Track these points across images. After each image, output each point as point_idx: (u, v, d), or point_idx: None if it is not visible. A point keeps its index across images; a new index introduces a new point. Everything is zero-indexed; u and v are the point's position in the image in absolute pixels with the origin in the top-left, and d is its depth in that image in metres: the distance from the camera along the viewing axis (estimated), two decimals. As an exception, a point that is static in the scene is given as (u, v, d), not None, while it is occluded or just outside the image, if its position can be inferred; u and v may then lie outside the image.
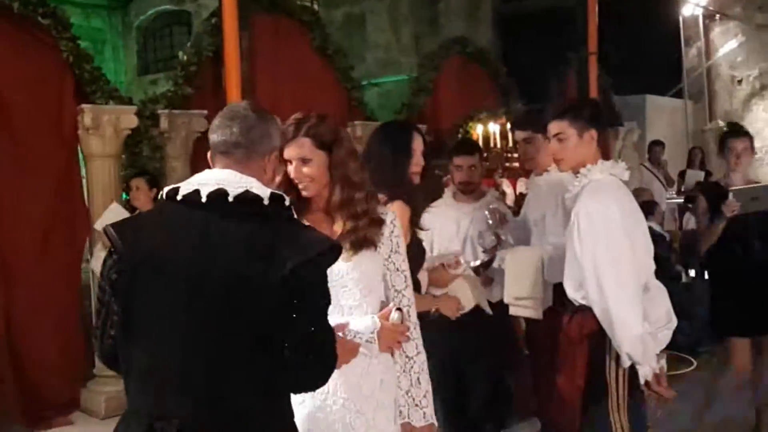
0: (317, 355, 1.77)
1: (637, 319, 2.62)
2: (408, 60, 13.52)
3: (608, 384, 2.69)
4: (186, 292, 1.72)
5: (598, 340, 2.70)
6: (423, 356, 2.32)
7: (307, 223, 2.04)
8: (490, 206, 3.74)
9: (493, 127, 5.89)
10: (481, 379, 3.80)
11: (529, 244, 3.46)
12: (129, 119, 5.09)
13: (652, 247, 2.88)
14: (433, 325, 3.01)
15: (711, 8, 11.56)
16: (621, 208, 2.71)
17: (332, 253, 1.80)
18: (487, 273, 3.64)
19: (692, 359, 4.31)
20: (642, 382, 2.72)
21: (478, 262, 3.66)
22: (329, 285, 1.85)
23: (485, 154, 5.70)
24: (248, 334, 1.70)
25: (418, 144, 2.80)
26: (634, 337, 2.60)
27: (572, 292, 2.79)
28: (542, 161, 3.48)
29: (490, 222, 3.58)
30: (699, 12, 11.61)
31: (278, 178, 2.12)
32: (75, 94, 4.98)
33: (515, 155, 6.43)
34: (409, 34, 13.62)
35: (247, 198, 1.74)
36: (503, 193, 5.80)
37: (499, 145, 6.29)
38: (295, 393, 1.89)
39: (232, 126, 1.87)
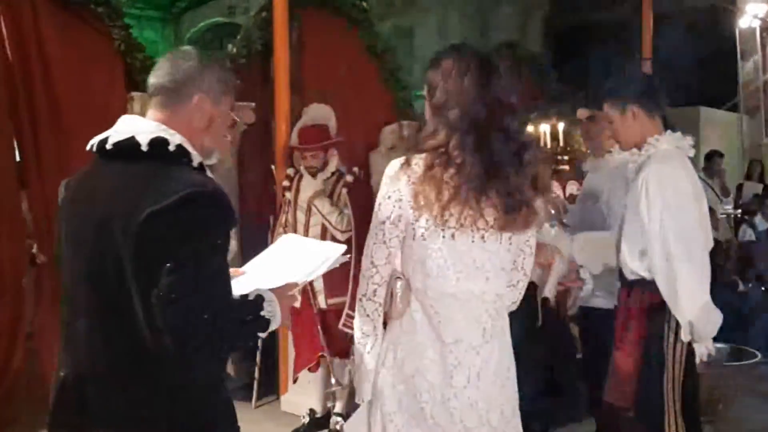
0: (174, 317, 1.57)
1: (704, 288, 2.52)
2: (456, 72, 13.49)
3: (665, 359, 2.58)
4: (72, 241, 1.77)
5: (658, 313, 2.59)
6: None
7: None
8: (551, 197, 3.66)
9: (544, 128, 5.76)
10: (531, 371, 3.65)
11: (587, 225, 3.33)
12: (177, 109, 5.10)
13: (710, 225, 2.78)
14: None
15: (769, 20, 11.26)
16: (690, 177, 2.63)
17: (189, 202, 1.60)
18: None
19: (756, 351, 4.13)
20: (697, 360, 2.61)
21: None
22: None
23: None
24: (117, 284, 1.63)
25: None
26: (699, 308, 2.49)
27: (632, 263, 2.68)
28: (605, 142, 3.37)
29: (552, 212, 3.50)
30: (756, 24, 11.30)
31: (224, 133, 1.89)
32: (125, 82, 5.01)
33: (565, 157, 6.29)
34: (457, 45, 13.59)
35: (126, 145, 1.70)
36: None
37: (549, 146, 6.15)
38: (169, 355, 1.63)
39: (161, 67, 1.81)
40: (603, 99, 2.88)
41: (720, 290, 3.03)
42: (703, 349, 2.58)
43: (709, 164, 8.52)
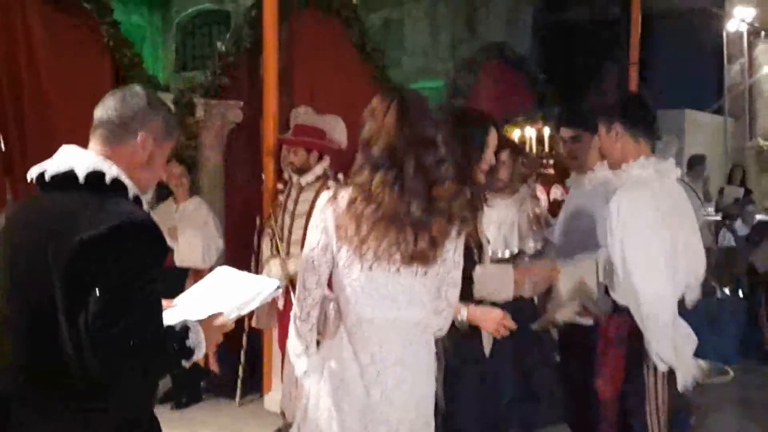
0: (100, 342, 1.62)
1: (667, 317, 2.51)
2: (445, 66, 13.48)
3: (647, 388, 2.59)
4: (6, 264, 1.82)
5: (637, 341, 2.60)
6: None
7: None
8: (536, 210, 3.72)
9: (530, 132, 5.81)
10: (510, 376, 3.72)
11: (572, 244, 3.38)
12: (165, 106, 5.11)
13: (700, 251, 2.79)
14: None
15: (757, 25, 11.35)
16: (655, 205, 2.60)
17: (120, 232, 1.66)
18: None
19: (729, 370, 4.20)
20: (680, 388, 2.61)
21: (527, 259, 3.64)
22: None
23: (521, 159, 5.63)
24: (46, 307, 1.69)
25: (492, 139, 2.66)
26: (664, 338, 2.51)
27: (611, 291, 2.71)
28: (589, 160, 3.40)
29: (534, 228, 3.57)
30: (744, 29, 11.40)
31: (165, 169, 2.03)
32: (113, 79, 5.00)
33: (550, 161, 6.35)
34: (447, 40, 13.59)
35: (63, 176, 1.77)
36: (536, 199, 5.72)
37: (534, 150, 6.20)
38: (96, 380, 1.69)
39: (108, 101, 1.87)
40: (593, 114, 2.91)
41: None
42: (685, 375, 2.58)
43: (692, 168, 8.60)
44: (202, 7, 16.20)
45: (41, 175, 1.81)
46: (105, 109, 1.86)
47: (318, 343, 2.25)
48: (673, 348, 2.53)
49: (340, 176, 4.59)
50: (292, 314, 2.25)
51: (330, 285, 2.22)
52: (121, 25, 5.21)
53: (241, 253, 5.02)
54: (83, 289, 1.63)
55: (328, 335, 2.22)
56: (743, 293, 6.87)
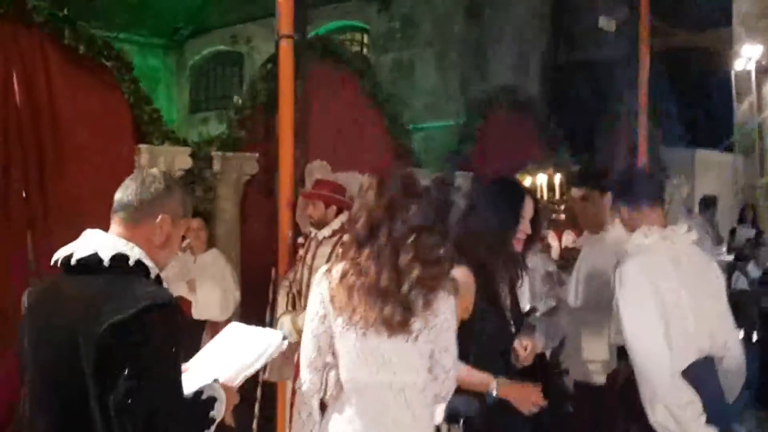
0: (129, 422, 1.70)
1: (664, 391, 2.57)
2: (454, 106, 13.62)
3: None
4: (35, 347, 1.90)
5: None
6: None
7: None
8: (548, 269, 3.77)
9: (541, 179, 5.88)
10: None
11: (587, 305, 3.43)
12: (184, 160, 5.22)
13: (723, 313, 2.84)
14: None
15: (764, 63, 11.45)
16: (654, 270, 2.68)
17: (145, 315, 1.73)
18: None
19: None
20: None
21: (538, 315, 3.69)
22: None
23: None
24: (77, 389, 1.75)
25: (528, 210, 2.69)
26: (656, 401, 2.57)
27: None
28: (600, 219, 3.47)
29: (547, 288, 3.63)
30: (752, 67, 11.50)
31: (180, 246, 2.09)
32: (133, 135, 5.12)
33: (562, 207, 6.40)
34: (457, 80, 13.75)
35: (88, 259, 1.85)
36: (548, 246, 5.77)
37: (546, 197, 6.27)
38: None
39: (129, 185, 1.97)
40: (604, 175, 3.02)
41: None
42: None
43: (704, 210, 8.65)
44: (215, 49, 16.51)
45: (66, 260, 1.89)
46: (125, 193, 1.96)
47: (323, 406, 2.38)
48: (669, 414, 2.56)
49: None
50: (297, 383, 2.37)
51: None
52: (137, 68, 5.33)
53: (256, 305, 5.07)
54: (113, 373, 1.70)
55: (331, 400, 2.33)
56: (757, 338, 6.84)
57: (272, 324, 4.77)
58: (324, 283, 2.29)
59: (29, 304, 1.99)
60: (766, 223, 11.25)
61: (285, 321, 4.52)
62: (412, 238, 2.20)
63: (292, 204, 5.05)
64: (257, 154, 5.59)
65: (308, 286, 4.52)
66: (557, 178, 5.93)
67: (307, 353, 2.31)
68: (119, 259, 1.85)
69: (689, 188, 9.30)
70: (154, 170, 2.06)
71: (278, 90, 5.19)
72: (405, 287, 2.19)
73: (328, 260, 4.45)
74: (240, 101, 5.58)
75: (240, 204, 5.61)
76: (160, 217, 1.94)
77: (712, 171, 11.24)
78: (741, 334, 6.91)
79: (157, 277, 1.93)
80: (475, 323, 2.41)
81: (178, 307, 1.86)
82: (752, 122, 11.77)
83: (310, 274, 4.54)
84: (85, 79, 4.96)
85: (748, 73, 11.61)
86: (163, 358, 1.76)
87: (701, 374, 2.66)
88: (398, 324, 2.19)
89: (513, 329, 2.64)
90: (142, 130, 5.13)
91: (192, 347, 2.18)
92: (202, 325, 4.88)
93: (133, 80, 5.11)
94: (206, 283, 4.92)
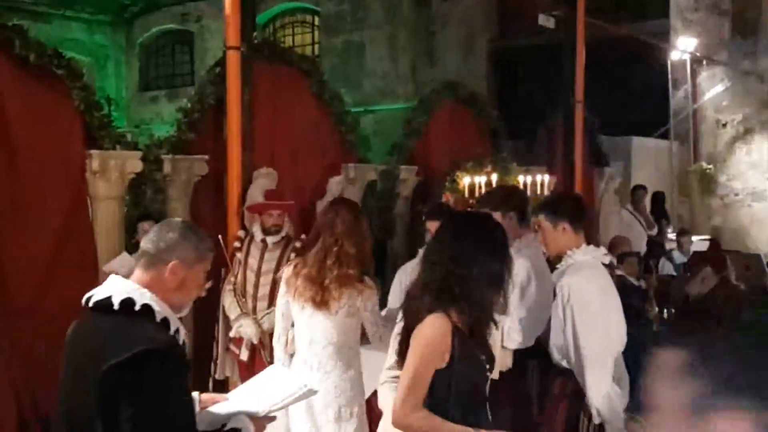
0: None
1: (606, 381, 3.05)
2: (404, 89, 13.88)
3: None
4: (62, 381, 2.10)
5: (577, 399, 3.12)
6: None
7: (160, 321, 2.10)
8: None
9: (478, 179, 6.20)
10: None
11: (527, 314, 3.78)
12: (134, 163, 5.38)
13: (624, 322, 3.29)
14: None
15: (699, 54, 11.94)
16: (598, 285, 3.16)
17: (142, 358, 1.88)
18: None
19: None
20: None
21: None
22: None
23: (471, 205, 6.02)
24: (86, 423, 1.94)
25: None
26: (603, 396, 3.02)
27: (556, 356, 3.23)
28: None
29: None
30: (687, 57, 11.98)
31: (203, 286, 2.26)
32: (85, 140, 5.26)
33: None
34: (407, 64, 13.98)
35: (101, 304, 2.06)
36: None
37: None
38: None
39: (150, 233, 2.20)
40: (536, 211, 3.42)
41: (638, 331, 3.72)
42: (614, 429, 3.07)
43: (635, 198, 9.12)
44: (164, 28, 16.36)
45: (88, 299, 2.10)
46: (146, 240, 2.17)
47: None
48: (608, 405, 3.03)
49: (304, 236, 4.93)
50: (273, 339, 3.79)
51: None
52: (84, 44, 5.41)
53: (208, 304, 5.30)
54: (114, 410, 1.89)
55: (289, 350, 3.67)
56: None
57: (223, 321, 5.03)
58: (286, 272, 3.60)
59: (67, 337, 2.16)
60: (697, 205, 11.90)
61: (246, 323, 4.75)
62: (336, 247, 3.41)
63: (240, 209, 5.30)
64: (207, 156, 5.78)
65: (256, 288, 4.78)
66: (494, 177, 6.25)
67: (277, 319, 3.69)
68: (128, 303, 2.03)
69: (621, 179, 9.76)
70: (175, 220, 2.28)
71: (226, 97, 5.40)
72: (326, 280, 3.40)
73: (278, 263, 4.72)
74: (189, 104, 5.74)
75: (190, 205, 5.80)
76: (172, 263, 2.11)
77: (650, 157, 11.74)
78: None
79: (164, 320, 2.07)
80: (453, 372, 2.36)
81: (176, 349, 2.02)
82: (687, 110, 12.28)
83: (258, 278, 4.80)
84: (36, 88, 5.05)
85: (684, 62, 12.08)
86: (158, 400, 1.90)
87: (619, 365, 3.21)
88: (320, 303, 3.42)
89: (489, 373, 2.56)
90: (93, 134, 5.27)
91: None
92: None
93: (84, 87, 5.22)
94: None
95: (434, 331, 2.35)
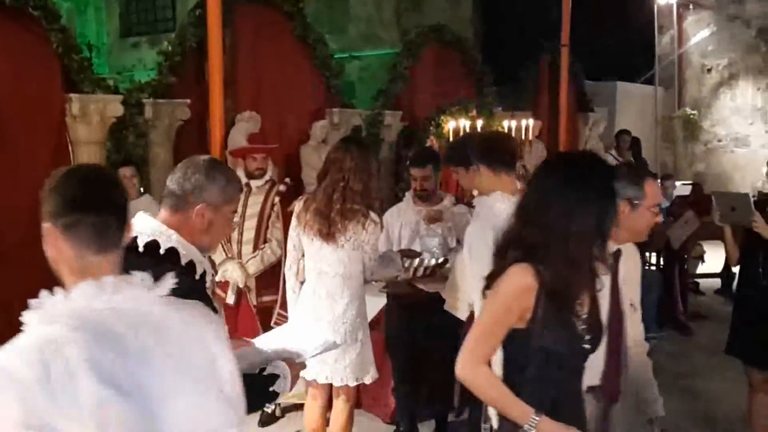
0: None
1: None
2: (389, 35, 13.69)
3: None
4: None
5: None
6: None
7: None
8: (432, 211, 4.16)
9: (463, 123, 6.18)
10: (435, 361, 4.15)
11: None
12: (115, 107, 5.32)
13: None
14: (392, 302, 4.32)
15: (685, -3, 11.87)
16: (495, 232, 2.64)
17: None
18: (442, 271, 4.04)
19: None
20: None
21: (434, 261, 4.06)
22: None
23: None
24: None
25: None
26: None
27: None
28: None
29: (423, 228, 4.06)
30: (674, 0, 11.88)
31: (231, 227, 2.22)
32: (63, 83, 5.18)
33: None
34: (392, 8, 13.76)
35: (131, 244, 1.94)
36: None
37: (469, 138, 6.56)
38: None
39: (175, 172, 2.10)
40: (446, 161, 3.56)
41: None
42: None
43: (619, 143, 9.15)
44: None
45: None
46: (171, 180, 2.08)
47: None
48: None
49: (288, 180, 4.92)
50: (284, 267, 3.98)
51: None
52: None
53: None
54: None
55: (300, 278, 3.84)
56: (661, 266, 7.43)
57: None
58: (297, 207, 3.74)
59: None
60: (681, 150, 11.95)
61: (231, 267, 4.74)
62: (343, 183, 3.54)
63: (223, 153, 5.26)
64: (189, 100, 5.72)
65: (241, 233, 4.78)
66: (479, 123, 6.23)
67: (289, 250, 3.84)
68: (152, 246, 1.98)
69: (606, 124, 9.76)
70: (200, 158, 2.11)
71: (207, 40, 5.31)
72: (333, 213, 3.56)
73: (262, 207, 4.72)
74: (170, 47, 5.66)
75: (173, 150, 5.76)
76: (200, 206, 2.03)
77: (635, 102, 11.74)
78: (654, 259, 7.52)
79: (189, 263, 2.00)
80: (533, 336, 1.97)
81: (194, 296, 1.81)
82: (672, 55, 12.23)
83: (242, 221, 4.80)
84: (12, 30, 4.96)
85: (670, 6, 11.99)
86: None
87: None
88: (326, 235, 3.59)
89: (588, 346, 2.06)
90: (72, 78, 5.19)
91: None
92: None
93: (62, 29, 5.13)
94: (140, 228, 5.12)
95: (513, 283, 1.98)
